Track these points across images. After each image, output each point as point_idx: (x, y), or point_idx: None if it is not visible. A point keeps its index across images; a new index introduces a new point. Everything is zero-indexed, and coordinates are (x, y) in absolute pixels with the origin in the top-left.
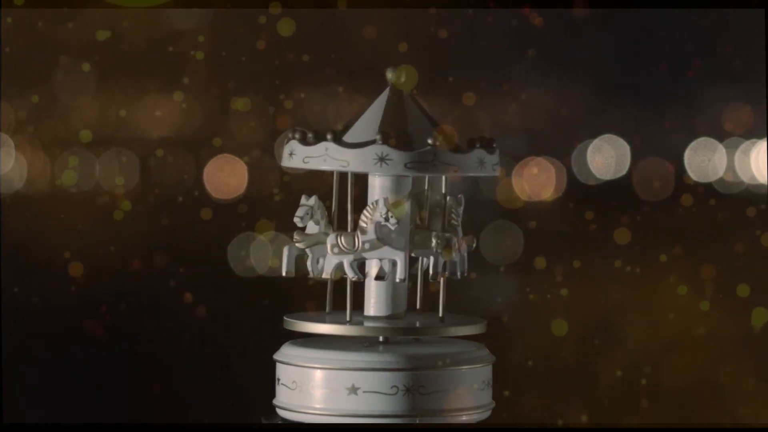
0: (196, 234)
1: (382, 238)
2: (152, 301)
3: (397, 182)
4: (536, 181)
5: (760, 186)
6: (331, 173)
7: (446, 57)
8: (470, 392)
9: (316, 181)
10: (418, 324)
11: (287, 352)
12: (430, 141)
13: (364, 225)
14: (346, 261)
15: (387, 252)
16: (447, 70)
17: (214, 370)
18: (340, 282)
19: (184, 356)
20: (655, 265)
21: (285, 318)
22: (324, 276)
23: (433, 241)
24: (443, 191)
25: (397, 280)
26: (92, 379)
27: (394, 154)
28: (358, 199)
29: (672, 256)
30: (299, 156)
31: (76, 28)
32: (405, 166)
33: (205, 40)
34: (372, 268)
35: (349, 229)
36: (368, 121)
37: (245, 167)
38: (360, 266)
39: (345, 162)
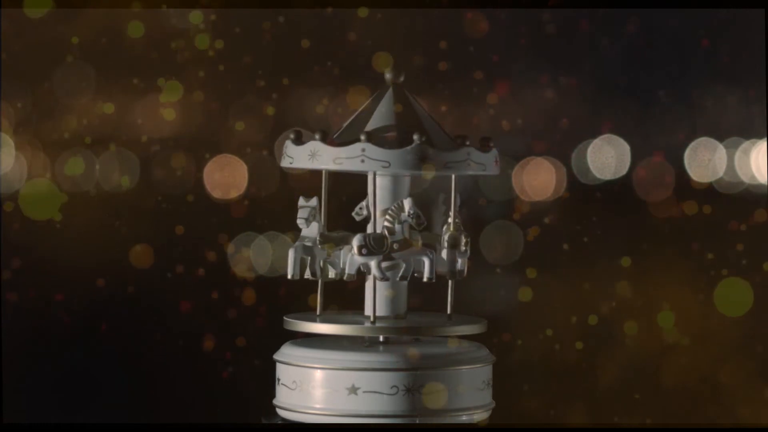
0: (196, 234)
1: (410, 238)
2: (152, 301)
3: (396, 182)
4: (536, 181)
5: (760, 186)
6: (320, 173)
7: (446, 57)
8: (470, 392)
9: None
10: (418, 324)
11: (287, 352)
12: (467, 142)
13: (390, 226)
14: (374, 262)
15: (416, 252)
16: (447, 69)
17: (214, 370)
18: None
19: (184, 356)
20: (655, 264)
21: (285, 318)
22: (345, 278)
23: (463, 240)
24: (452, 191)
25: (425, 279)
26: (92, 379)
27: (436, 155)
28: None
29: (672, 255)
30: (326, 157)
31: (76, 28)
32: (445, 165)
33: (205, 39)
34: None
35: (370, 230)
36: (383, 121)
37: (245, 167)
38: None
39: (385, 162)
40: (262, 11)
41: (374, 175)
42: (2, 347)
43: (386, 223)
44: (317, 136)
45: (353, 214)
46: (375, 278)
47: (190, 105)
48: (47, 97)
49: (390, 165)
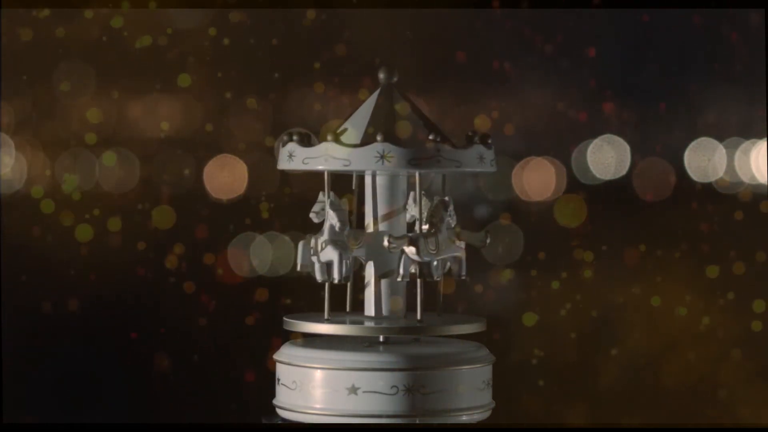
0: (196, 234)
1: (449, 237)
2: (152, 301)
3: (392, 181)
4: (536, 181)
5: (760, 186)
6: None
7: (446, 57)
8: (470, 392)
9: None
10: (418, 324)
11: (287, 352)
12: (489, 140)
13: (438, 225)
14: (427, 262)
15: (453, 250)
16: (447, 69)
17: (214, 370)
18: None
19: (184, 356)
20: (655, 264)
21: (285, 318)
22: (399, 279)
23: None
24: (445, 191)
25: (460, 278)
26: (92, 379)
27: (488, 153)
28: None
29: (672, 255)
30: (401, 159)
31: (76, 28)
32: (491, 163)
33: (206, 40)
34: (371, 269)
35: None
36: (397, 120)
37: (245, 167)
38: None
39: (458, 162)
40: (263, 11)
41: (418, 175)
42: (2, 347)
43: (434, 223)
44: (379, 137)
45: (311, 215)
46: (423, 278)
47: (191, 105)
48: (47, 97)
49: (461, 165)
